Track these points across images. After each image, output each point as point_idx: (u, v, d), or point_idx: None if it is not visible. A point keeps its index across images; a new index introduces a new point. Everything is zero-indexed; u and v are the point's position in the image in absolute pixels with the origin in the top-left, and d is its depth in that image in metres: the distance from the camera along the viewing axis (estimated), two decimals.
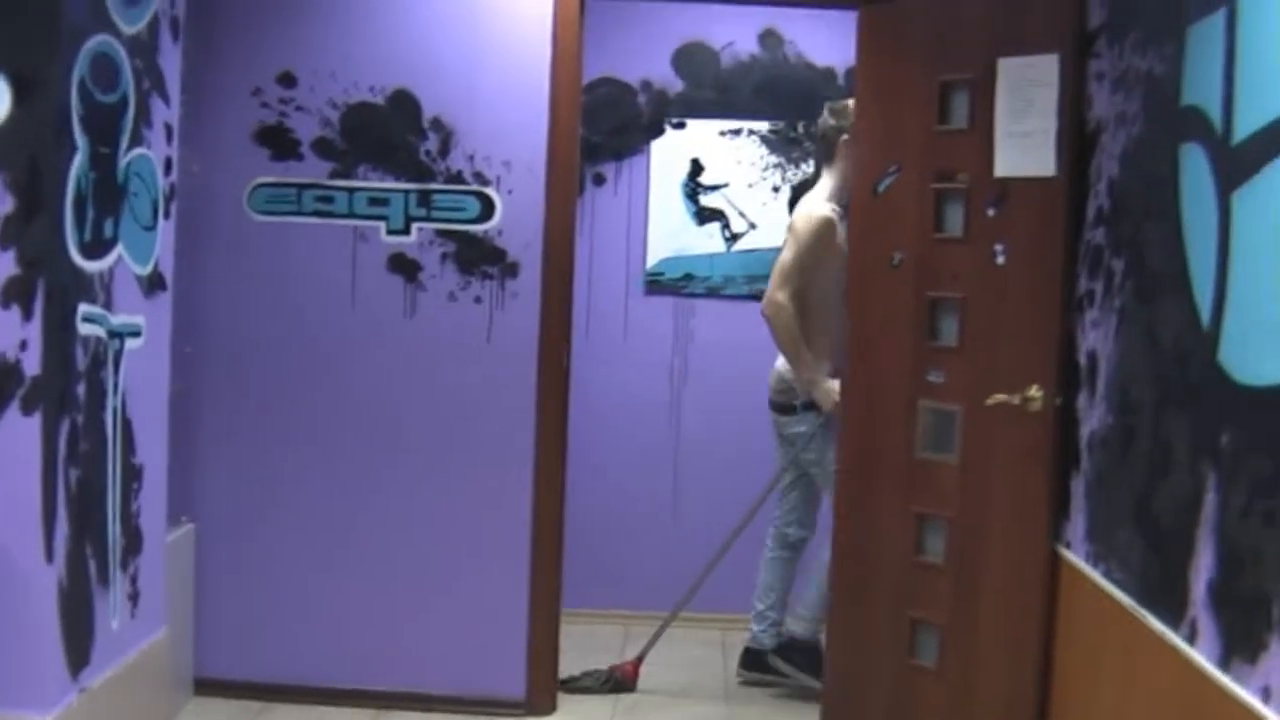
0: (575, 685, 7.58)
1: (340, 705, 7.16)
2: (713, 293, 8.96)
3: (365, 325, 7.25)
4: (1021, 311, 6.23)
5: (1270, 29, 4.12)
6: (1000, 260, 6.32)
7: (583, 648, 7.88)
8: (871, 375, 6.89)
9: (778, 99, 8.85)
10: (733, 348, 8.69)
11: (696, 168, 8.90)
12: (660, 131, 9.00)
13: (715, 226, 8.95)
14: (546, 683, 7.33)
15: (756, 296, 8.48)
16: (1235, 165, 4.26)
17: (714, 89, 8.91)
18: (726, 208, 8.93)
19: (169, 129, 6.17)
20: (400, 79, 7.20)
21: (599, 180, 8.85)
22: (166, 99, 6.13)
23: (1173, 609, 4.65)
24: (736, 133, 8.95)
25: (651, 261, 9.01)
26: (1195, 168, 4.60)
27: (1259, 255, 4.13)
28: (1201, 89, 4.58)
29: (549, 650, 7.32)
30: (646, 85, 8.97)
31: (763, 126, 8.95)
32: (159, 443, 6.24)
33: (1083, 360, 5.89)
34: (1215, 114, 4.41)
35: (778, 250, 7.72)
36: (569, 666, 7.51)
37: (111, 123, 5.63)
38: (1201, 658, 4.36)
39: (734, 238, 8.96)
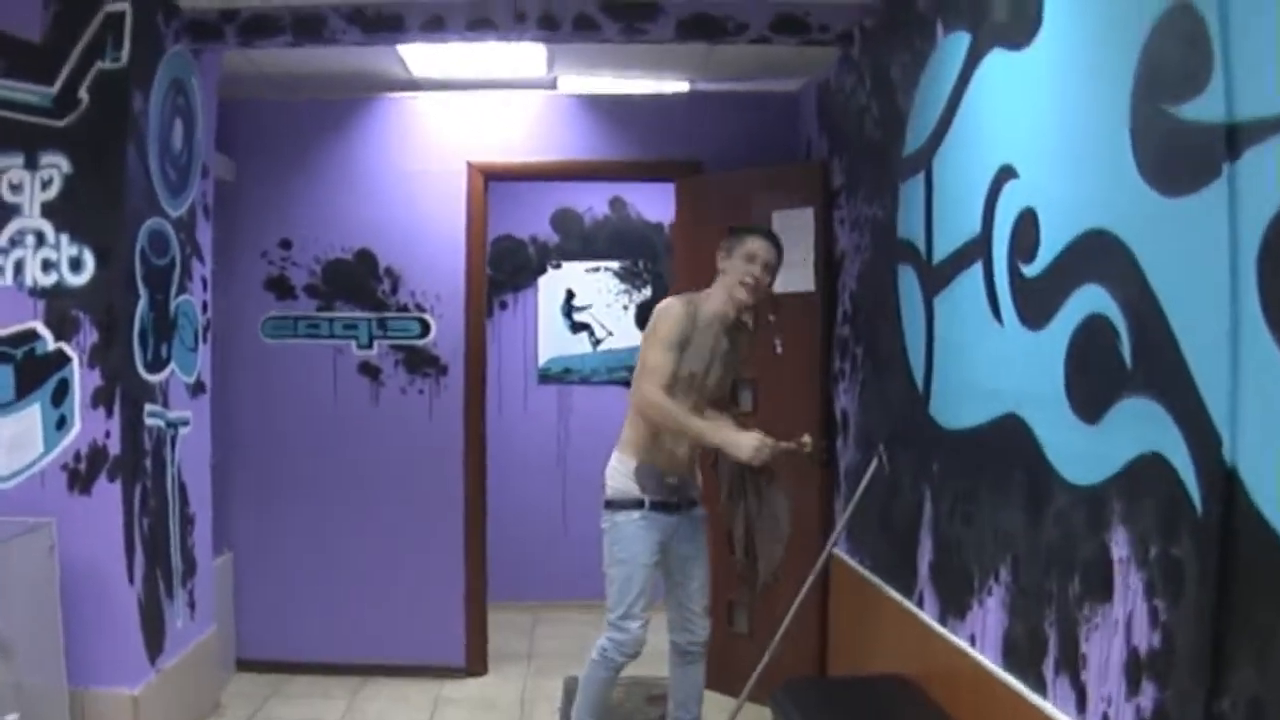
0: None
1: (336, 675, 7.04)
2: (584, 381, 8.91)
3: (344, 411, 7.20)
4: (796, 384, 6.26)
5: (950, 189, 4.20)
6: (779, 350, 6.34)
7: (503, 629, 7.77)
8: None
9: (624, 245, 8.85)
10: (599, 419, 8.44)
11: (570, 295, 8.89)
12: (544, 270, 8.96)
13: (584, 335, 8.92)
14: (479, 652, 7.28)
15: (615, 383, 8.57)
16: (935, 279, 4.33)
17: (580, 240, 8.90)
18: (592, 322, 8.91)
19: (204, 281, 6.10)
20: (363, 241, 7.16)
21: (503, 305, 8.83)
22: (202, 259, 6.06)
23: (907, 583, 4.70)
24: (596, 270, 8.92)
25: (541, 361, 8.95)
26: (908, 282, 4.67)
27: (951, 341, 4.21)
28: (910, 227, 4.66)
29: (480, 628, 7.26)
30: (534, 239, 8.94)
31: (615, 264, 8.92)
32: (205, 498, 6.16)
33: (839, 416, 5.93)
34: (920, 244, 4.49)
35: (631, 350, 7.66)
36: (494, 641, 7.39)
37: (164, 278, 5.57)
38: (927, 616, 4.43)
39: (597, 343, 8.93)
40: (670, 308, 5.12)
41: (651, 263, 8.88)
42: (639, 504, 5.12)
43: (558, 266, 8.94)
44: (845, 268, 5.83)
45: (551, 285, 8.96)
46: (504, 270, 8.80)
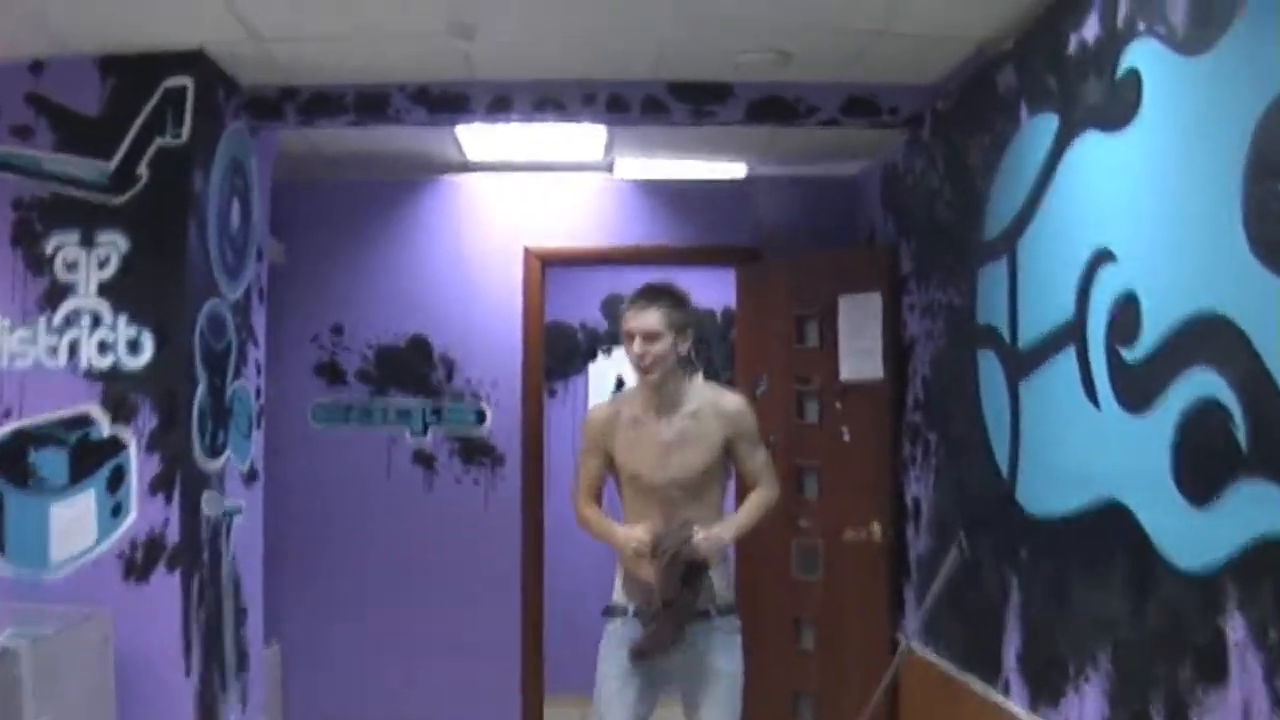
0: None
1: None
2: None
3: (397, 500, 7.26)
4: (863, 472, 6.29)
5: (1038, 273, 4.26)
6: (846, 438, 6.39)
7: None
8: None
9: None
10: None
11: (620, 382, 8.91)
12: (594, 357, 9.10)
13: None
14: None
15: None
16: (1020, 364, 4.37)
17: None
18: None
19: (258, 366, 6.14)
20: (416, 327, 7.27)
21: (552, 393, 8.90)
22: (257, 344, 6.10)
23: (990, 672, 4.69)
24: None
25: None
26: (989, 367, 4.71)
27: (1040, 426, 4.25)
28: (991, 312, 4.70)
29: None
30: (583, 325, 9.08)
31: None
32: (257, 590, 6.15)
33: (909, 504, 5.96)
34: (1004, 329, 4.53)
35: None
36: None
37: (221, 362, 5.60)
38: (1016, 705, 4.42)
39: None
40: (584, 419, 5.16)
41: (705, 347, 8.94)
42: (622, 612, 4.90)
43: (608, 353, 9.01)
44: (916, 354, 5.88)
45: (602, 372, 9.04)
46: (554, 357, 8.87)
